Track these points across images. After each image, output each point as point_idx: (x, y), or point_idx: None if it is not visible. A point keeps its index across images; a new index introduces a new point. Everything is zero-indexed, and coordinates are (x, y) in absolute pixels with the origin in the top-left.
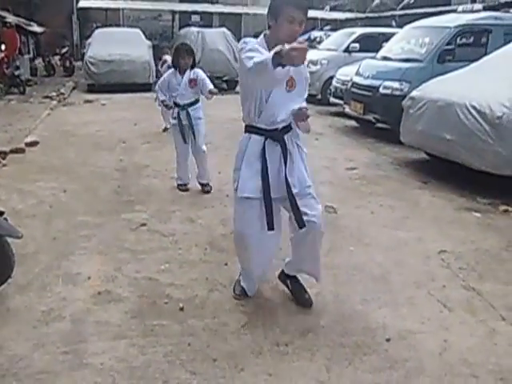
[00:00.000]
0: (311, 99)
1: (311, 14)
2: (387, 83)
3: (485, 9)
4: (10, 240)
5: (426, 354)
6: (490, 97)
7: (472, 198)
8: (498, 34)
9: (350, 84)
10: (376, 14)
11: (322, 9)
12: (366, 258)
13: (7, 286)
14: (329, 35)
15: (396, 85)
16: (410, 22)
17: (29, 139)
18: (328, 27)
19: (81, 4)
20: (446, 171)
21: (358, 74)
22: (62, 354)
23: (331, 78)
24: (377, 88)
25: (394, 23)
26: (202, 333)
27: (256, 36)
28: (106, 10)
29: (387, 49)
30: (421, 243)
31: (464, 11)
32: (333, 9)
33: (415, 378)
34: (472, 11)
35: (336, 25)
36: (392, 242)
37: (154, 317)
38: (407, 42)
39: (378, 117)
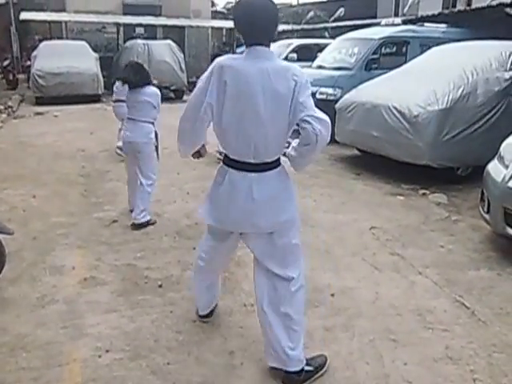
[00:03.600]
0: None
1: None
2: (322, 89)
3: (404, 23)
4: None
5: (363, 303)
6: (408, 99)
7: (397, 185)
8: (415, 45)
9: None
10: (310, 26)
11: None
12: (312, 236)
13: None
14: None
15: (330, 91)
16: (341, 33)
17: None
18: None
19: (23, 16)
20: (374, 164)
21: None
22: (63, 328)
23: None
24: (313, 94)
25: (327, 34)
26: (180, 302)
27: None
28: (49, 22)
29: (321, 58)
30: (356, 223)
31: (386, 25)
32: None
33: (355, 320)
34: (393, 25)
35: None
36: (333, 223)
37: (137, 294)
38: (339, 52)
39: None
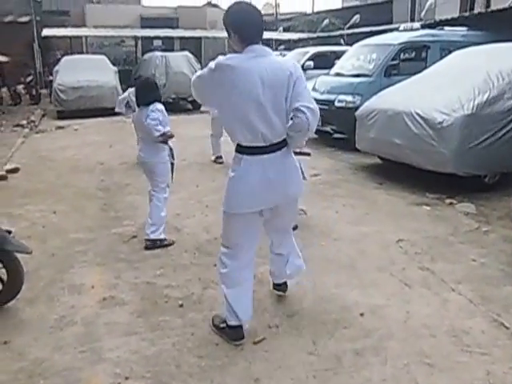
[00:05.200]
0: None
1: (266, 35)
2: (341, 97)
3: (422, 27)
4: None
5: (393, 323)
6: (432, 105)
7: (422, 194)
8: (435, 49)
9: None
10: (326, 34)
11: (276, 30)
12: (335, 250)
13: (16, 300)
14: (284, 54)
15: (349, 98)
16: (357, 40)
17: (8, 166)
18: (282, 47)
19: (45, 33)
20: (397, 172)
21: (314, 89)
22: (81, 352)
23: None
24: (332, 102)
25: (342, 41)
26: (202, 323)
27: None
28: (70, 37)
29: (339, 66)
30: (381, 235)
31: (405, 30)
32: (286, 30)
33: (386, 342)
34: (412, 29)
35: (289, 44)
36: (356, 236)
37: (157, 314)
38: (357, 58)
39: (334, 128)
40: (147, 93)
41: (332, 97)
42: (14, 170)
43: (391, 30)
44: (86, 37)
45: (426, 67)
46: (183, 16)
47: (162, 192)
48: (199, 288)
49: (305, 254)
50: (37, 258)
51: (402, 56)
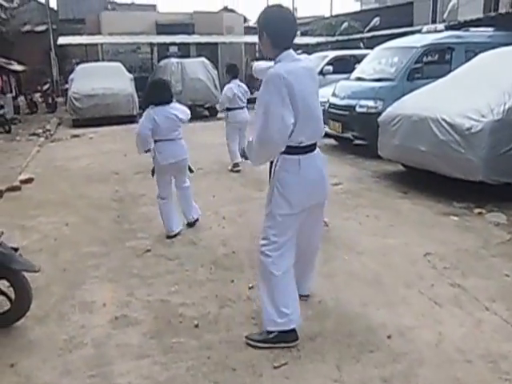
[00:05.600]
0: None
1: None
2: (362, 102)
3: (446, 28)
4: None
5: (424, 346)
6: (459, 110)
7: (449, 204)
8: (460, 52)
9: (327, 105)
10: (345, 37)
11: None
12: (359, 264)
13: (25, 319)
14: None
15: (371, 103)
16: (378, 43)
17: (23, 176)
18: (300, 51)
19: (60, 41)
20: (422, 181)
21: (334, 95)
22: (90, 377)
23: None
24: (353, 107)
25: (362, 45)
26: (218, 346)
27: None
28: (86, 45)
29: (360, 70)
30: (407, 248)
31: (428, 31)
32: (303, 34)
33: (417, 368)
34: (435, 31)
35: (307, 49)
36: (381, 249)
37: (171, 335)
38: (378, 62)
39: (355, 134)
40: (166, 91)
41: (353, 102)
42: (28, 181)
43: (413, 33)
44: (102, 44)
45: (450, 70)
46: (199, 22)
47: (187, 182)
48: (216, 306)
49: (327, 268)
50: (48, 272)
51: (425, 59)
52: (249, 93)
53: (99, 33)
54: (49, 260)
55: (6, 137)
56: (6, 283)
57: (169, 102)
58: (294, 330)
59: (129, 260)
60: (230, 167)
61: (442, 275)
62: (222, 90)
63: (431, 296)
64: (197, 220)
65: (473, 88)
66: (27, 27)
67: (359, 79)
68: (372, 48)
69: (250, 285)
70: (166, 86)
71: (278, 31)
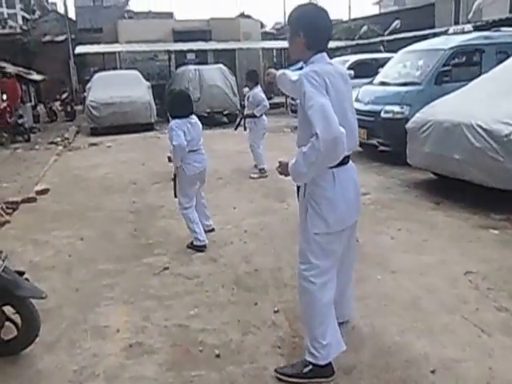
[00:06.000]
0: None
1: None
2: (388, 107)
3: (475, 29)
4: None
5: None
6: (495, 115)
7: (486, 215)
8: (490, 53)
9: None
10: (366, 41)
11: None
12: (394, 285)
13: (34, 346)
14: None
15: (397, 108)
16: (399, 46)
17: (39, 187)
18: None
19: (78, 50)
20: (455, 190)
21: (357, 100)
22: None
23: None
24: (378, 113)
25: (382, 48)
26: (242, 380)
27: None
28: (103, 54)
29: (384, 74)
30: (445, 266)
31: (455, 33)
32: None
33: None
34: (463, 32)
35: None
36: (417, 267)
37: (190, 367)
38: (403, 66)
39: (381, 141)
40: (189, 104)
41: (377, 107)
42: (44, 192)
43: (436, 34)
44: (119, 52)
45: (480, 73)
46: (216, 28)
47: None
48: (238, 333)
49: (360, 289)
50: (60, 292)
51: (453, 61)
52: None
53: (116, 41)
54: (61, 279)
55: (24, 146)
56: (12, 309)
57: (191, 113)
58: (330, 364)
59: (145, 279)
60: (253, 175)
61: (487, 297)
62: (240, 97)
63: (476, 322)
64: (213, 229)
65: (509, 91)
66: (47, 37)
67: (383, 84)
68: (393, 51)
69: (276, 308)
70: (189, 99)
71: (315, 31)
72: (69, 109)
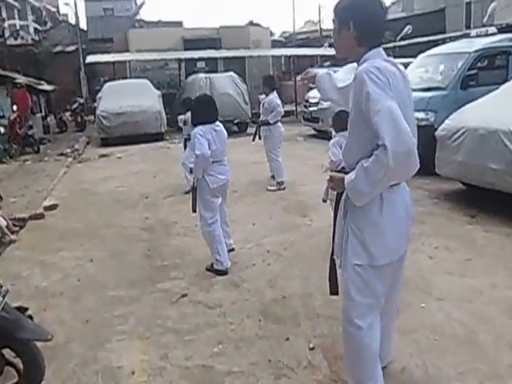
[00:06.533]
0: (324, 135)
1: (313, 51)
2: None
3: (499, 31)
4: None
5: None
6: None
7: None
8: None
9: None
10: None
11: (321, 46)
12: (442, 315)
13: None
14: (335, 71)
15: (421, 115)
16: (412, 51)
17: (47, 202)
18: (327, 63)
19: (89, 59)
20: (490, 202)
21: None
22: None
23: None
24: None
25: (391, 54)
26: None
27: None
28: (114, 63)
29: None
30: (496, 290)
31: (478, 35)
32: (332, 45)
33: None
34: (486, 35)
35: (335, 60)
36: (464, 293)
37: None
38: (425, 70)
39: None
40: (214, 108)
41: None
42: (53, 207)
43: (451, 38)
44: (129, 61)
45: (507, 76)
46: (226, 36)
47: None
48: (270, 377)
49: (403, 320)
50: (68, 324)
51: (478, 65)
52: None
53: (127, 50)
54: (70, 307)
55: (34, 157)
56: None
57: (216, 120)
58: None
59: (162, 308)
60: (270, 187)
61: None
62: (251, 105)
63: None
64: (233, 249)
65: None
66: (58, 48)
67: None
68: (405, 57)
69: (311, 345)
70: (214, 103)
71: (368, 22)
72: (79, 119)
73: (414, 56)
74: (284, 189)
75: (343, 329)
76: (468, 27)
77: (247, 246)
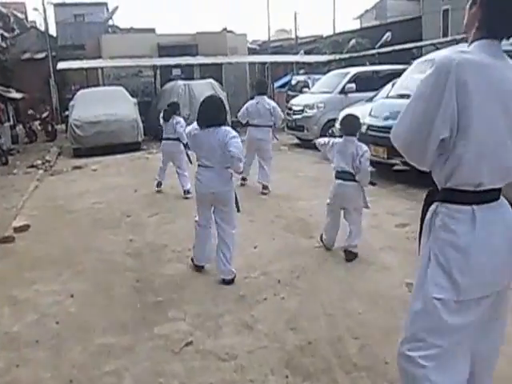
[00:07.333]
0: (309, 145)
1: (291, 58)
2: None
3: None
4: None
5: None
6: None
7: None
8: None
9: (365, 127)
10: (361, 54)
11: (297, 53)
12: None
13: None
14: (315, 78)
15: None
16: (391, 58)
17: (17, 223)
18: (302, 71)
19: (60, 66)
20: None
21: (372, 115)
22: None
23: (329, 121)
24: None
25: (367, 62)
26: None
27: None
28: (86, 70)
29: (401, 86)
30: None
31: None
32: (307, 53)
33: None
34: None
35: (311, 68)
36: None
37: None
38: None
39: (405, 160)
40: (218, 112)
41: None
42: (23, 228)
43: (442, 44)
44: (102, 68)
45: None
46: (202, 42)
47: (235, 227)
48: None
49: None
50: None
51: None
52: (269, 111)
53: (99, 57)
54: (48, 362)
55: (2, 170)
56: None
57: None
58: None
59: (163, 361)
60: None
61: None
62: (231, 112)
63: None
64: (229, 282)
65: None
66: (27, 55)
67: (403, 96)
68: (385, 64)
69: None
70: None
71: (499, 3)
72: (49, 128)
73: (395, 63)
74: (244, 185)
75: (399, 368)
76: (445, 35)
77: (252, 274)
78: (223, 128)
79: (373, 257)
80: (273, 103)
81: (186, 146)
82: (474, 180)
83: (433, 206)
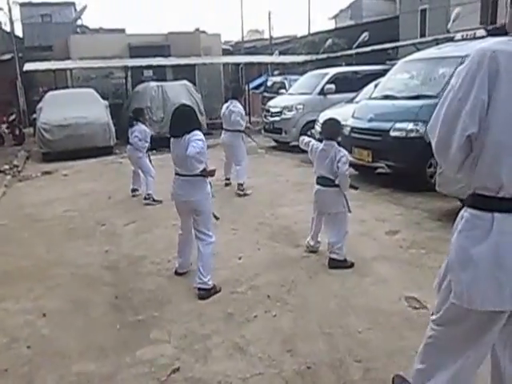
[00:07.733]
0: (287, 148)
1: (266, 58)
2: (399, 125)
3: (489, 34)
4: None
5: None
6: None
7: None
8: None
9: (348, 130)
10: (338, 54)
11: (271, 54)
12: None
13: None
14: (292, 79)
15: (410, 126)
16: (368, 58)
17: None
18: (276, 72)
19: (26, 67)
20: None
21: (355, 117)
22: None
23: (308, 123)
24: (386, 131)
25: (343, 63)
26: None
27: None
28: (54, 71)
29: (385, 87)
30: None
31: (464, 39)
32: (282, 53)
33: None
34: (474, 38)
35: (285, 69)
36: None
37: None
38: (410, 77)
39: (391, 163)
40: (188, 120)
41: (386, 125)
42: None
43: (422, 43)
44: (71, 70)
45: None
46: (175, 43)
47: (209, 236)
48: None
49: None
50: None
51: None
52: (237, 115)
53: (68, 58)
54: None
55: None
56: None
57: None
58: None
59: None
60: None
61: None
62: (206, 115)
63: None
64: (203, 296)
65: None
66: None
67: (388, 97)
68: (362, 64)
69: None
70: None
71: None
72: (17, 132)
73: (371, 63)
74: (229, 185)
75: None
76: (423, 35)
77: (239, 289)
78: (192, 133)
79: (366, 268)
80: (238, 108)
81: (148, 150)
82: (494, 182)
83: (462, 211)
